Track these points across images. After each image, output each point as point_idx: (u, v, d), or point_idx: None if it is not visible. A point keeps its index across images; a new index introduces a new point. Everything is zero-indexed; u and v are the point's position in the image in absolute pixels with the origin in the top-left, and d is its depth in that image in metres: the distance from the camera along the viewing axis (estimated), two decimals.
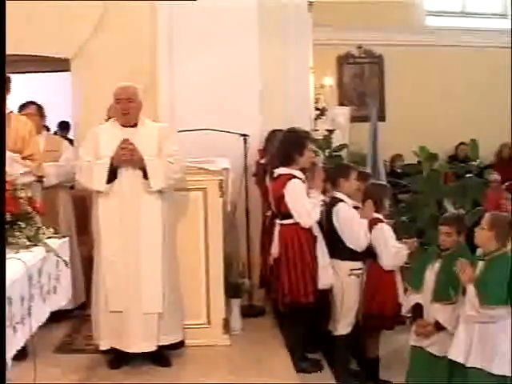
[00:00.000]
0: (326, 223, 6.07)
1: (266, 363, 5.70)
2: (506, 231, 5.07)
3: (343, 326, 6.09)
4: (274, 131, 7.06)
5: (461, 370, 5.05)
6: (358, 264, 6.08)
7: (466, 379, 5.00)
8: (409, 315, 5.78)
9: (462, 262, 5.02)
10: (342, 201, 6.10)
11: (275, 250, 5.97)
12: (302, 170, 5.99)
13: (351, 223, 6.01)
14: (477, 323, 4.95)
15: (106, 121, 5.95)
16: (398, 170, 12.27)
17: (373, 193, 6.23)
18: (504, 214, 5.33)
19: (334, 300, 6.10)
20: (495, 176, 10.78)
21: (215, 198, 5.96)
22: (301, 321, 5.97)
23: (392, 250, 6.04)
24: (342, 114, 11.58)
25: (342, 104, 13.34)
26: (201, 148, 6.57)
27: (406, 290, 5.92)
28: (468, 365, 4.96)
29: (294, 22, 8.11)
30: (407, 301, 5.75)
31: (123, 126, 5.50)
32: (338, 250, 6.03)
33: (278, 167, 5.99)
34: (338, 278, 6.01)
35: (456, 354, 5.05)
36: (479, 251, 5.31)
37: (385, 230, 6.08)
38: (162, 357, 5.56)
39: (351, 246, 6.02)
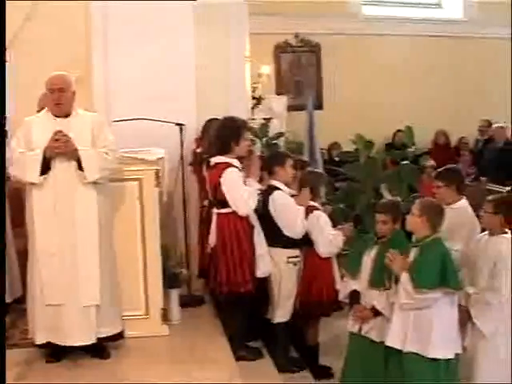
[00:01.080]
0: (263, 211, 6.07)
1: (206, 352, 5.71)
2: (437, 216, 5.15)
3: (282, 313, 6.12)
4: (210, 120, 7.05)
5: (396, 354, 5.14)
6: (295, 252, 6.12)
7: (402, 364, 5.09)
8: (346, 301, 5.83)
9: (391, 253, 5.10)
10: (278, 189, 6.12)
11: (213, 239, 5.96)
12: (239, 158, 5.99)
13: (287, 211, 6.04)
14: (412, 310, 5.03)
15: (38, 112, 5.84)
16: (336, 158, 12.35)
17: (309, 181, 6.27)
18: (433, 200, 5.38)
19: (272, 288, 6.12)
20: (431, 162, 10.96)
21: (151, 188, 5.92)
22: (239, 309, 5.97)
23: (328, 238, 6.11)
24: (280, 102, 11.57)
25: (279, 93, 13.37)
26: (136, 138, 6.52)
27: (342, 277, 5.98)
28: (404, 350, 5.05)
29: (230, 10, 8.10)
30: (344, 287, 5.80)
31: (56, 116, 5.41)
32: (275, 238, 6.04)
33: (214, 156, 5.97)
34: (275, 266, 6.03)
35: (392, 340, 5.13)
36: (415, 238, 5.39)
37: (320, 218, 6.14)
38: (100, 349, 5.51)
39: (288, 234, 6.05)
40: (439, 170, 5.99)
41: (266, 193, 6.09)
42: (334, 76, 13.95)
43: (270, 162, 6.30)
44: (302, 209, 6.05)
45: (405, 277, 5.00)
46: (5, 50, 4.65)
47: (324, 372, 6.38)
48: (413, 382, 5.03)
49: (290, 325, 6.20)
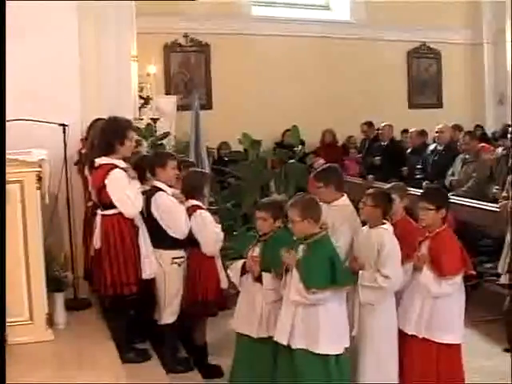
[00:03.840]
0: (147, 212, 6.02)
1: (92, 356, 5.62)
2: (316, 212, 5.22)
3: (168, 314, 6.09)
4: (96, 120, 6.94)
5: (285, 351, 5.18)
6: (180, 252, 6.10)
7: (292, 360, 5.14)
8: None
9: (284, 250, 5.15)
10: (160, 189, 6.09)
11: (97, 241, 5.86)
12: (124, 159, 5.93)
13: (170, 211, 6.01)
14: (300, 305, 5.09)
15: None
16: (225, 158, 12.39)
17: (192, 180, 6.28)
18: (304, 199, 5.41)
19: (157, 289, 6.09)
20: (320, 161, 11.16)
21: (33, 190, 5.75)
22: (125, 312, 5.92)
23: (213, 236, 6.13)
24: (168, 102, 11.56)
25: (168, 93, 13.34)
26: (18, 139, 6.33)
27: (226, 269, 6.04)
28: (293, 347, 5.10)
29: (115, 10, 8.03)
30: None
31: None
32: (159, 239, 5.99)
33: (98, 157, 5.88)
34: (160, 267, 5.99)
35: (280, 336, 5.17)
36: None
37: (204, 217, 6.13)
38: None
39: (172, 234, 6.01)
40: (317, 170, 6.09)
41: (149, 194, 6.05)
42: (224, 76, 14.02)
43: (152, 162, 6.27)
44: (184, 208, 6.06)
45: (295, 273, 5.06)
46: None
47: (213, 371, 6.39)
48: (303, 378, 5.08)
49: (177, 325, 6.18)
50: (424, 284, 5.43)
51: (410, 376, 5.51)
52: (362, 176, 12.21)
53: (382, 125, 12.53)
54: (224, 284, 6.16)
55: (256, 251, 5.53)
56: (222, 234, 6.23)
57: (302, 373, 5.09)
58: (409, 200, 6.17)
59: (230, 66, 14.02)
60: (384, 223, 5.53)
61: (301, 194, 6.04)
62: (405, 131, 13.60)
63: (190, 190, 6.21)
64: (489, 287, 8.21)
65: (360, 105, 14.99)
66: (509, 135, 9.36)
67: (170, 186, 6.17)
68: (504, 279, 7.34)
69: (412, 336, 5.50)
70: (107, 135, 5.91)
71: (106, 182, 5.76)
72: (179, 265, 6.08)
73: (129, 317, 5.96)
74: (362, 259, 5.47)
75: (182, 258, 6.11)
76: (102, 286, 5.85)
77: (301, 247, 5.20)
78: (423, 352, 5.46)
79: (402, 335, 5.54)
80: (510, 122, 12.43)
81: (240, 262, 5.67)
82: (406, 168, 11.56)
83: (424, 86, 16.70)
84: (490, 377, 6.43)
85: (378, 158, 11.99)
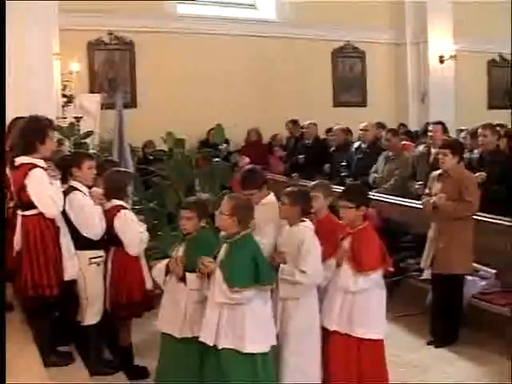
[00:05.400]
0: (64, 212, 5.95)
1: (14, 361, 5.45)
2: (247, 213, 5.21)
3: (91, 315, 6.01)
4: (16, 119, 6.80)
5: (212, 351, 5.15)
6: (98, 252, 6.01)
7: (218, 360, 5.11)
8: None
9: (201, 259, 5.13)
10: (76, 189, 6.02)
11: (18, 242, 5.74)
12: (45, 158, 5.83)
13: (84, 211, 5.93)
14: (225, 305, 5.08)
15: None
16: (150, 157, 12.30)
17: (114, 180, 6.20)
18: (243, 198, 5.41)
19: (79, 290, 6.00)
20: (245, 160, 11.19)
21: None
22: (47, 314, 5.82)
23: (137, 236, 6.05)
24: (92, 101, 11.42)
25: (92, 91, 13.16)
26: None
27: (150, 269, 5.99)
28: (219, 347, 5.08)
29: (37, 6, 7.89)
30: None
31: None
32: (75, 239, 5.91)
33: (18, 156, 5.77)
34: (79, 268, 5.90)
35: (206, 336, 5.15)
36: (222, 234, 5.44)
37: (128, 217, 6.06)
38: None
39: (85, 234, 5.93)
40: (241, 178, 6.03)
41: (66, 194, 5.93)
42: (149, 74, 13.93)
43: (67, 162, 6.20)
44: (99, 208, 5.99)
45: (219, 274, 5.04)
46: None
47: (139, 372, 6.33)
48: (230, 378, 5.06)
49: (101, 326, 6.10)
50: (342, 280, 5.50)
51: (334, 373, 5.56)
52: (286, 174, 12.28)
53: (307, 123, 12.63)
54: (149, 284, 6.09)
55: (180, 251, 5.50)
56: (146, 234, 6.17)
57: (229, 373, 5.07)
58: (333, 198, 6.21)
59: (154, 65, 13.95)
60: (304, 221, 5.56)
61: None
62: (329, 130, 13.70)
63: (112, 189, 6.13)
64: (411, 282, 8.35)
65: (285, 103, 15.10)
66: (429, 133, 9.52)
67: (91, 187, 6.10)
68: (426, 274, 7.51)
69: (334, 332, 5.56)
70: (27, 134, 5.80)
71: (26, 181, 5.66)
72: (98, 264, 6.01)
73: (51, 319, 5.85)
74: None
75: (100, 257, 6.02)
76: (22, 288, 5.73)
77: (224, 246, 5.19)
78: (345, 348, 5.53)
79: (325, 332, 5.59)
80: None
81: (164, 262, 5.61)
82: (327, 165, 11.67)
83: (349, 85, 16.92)
84: (415, 369, 6.63)
85: (303, 156, 12.09)
